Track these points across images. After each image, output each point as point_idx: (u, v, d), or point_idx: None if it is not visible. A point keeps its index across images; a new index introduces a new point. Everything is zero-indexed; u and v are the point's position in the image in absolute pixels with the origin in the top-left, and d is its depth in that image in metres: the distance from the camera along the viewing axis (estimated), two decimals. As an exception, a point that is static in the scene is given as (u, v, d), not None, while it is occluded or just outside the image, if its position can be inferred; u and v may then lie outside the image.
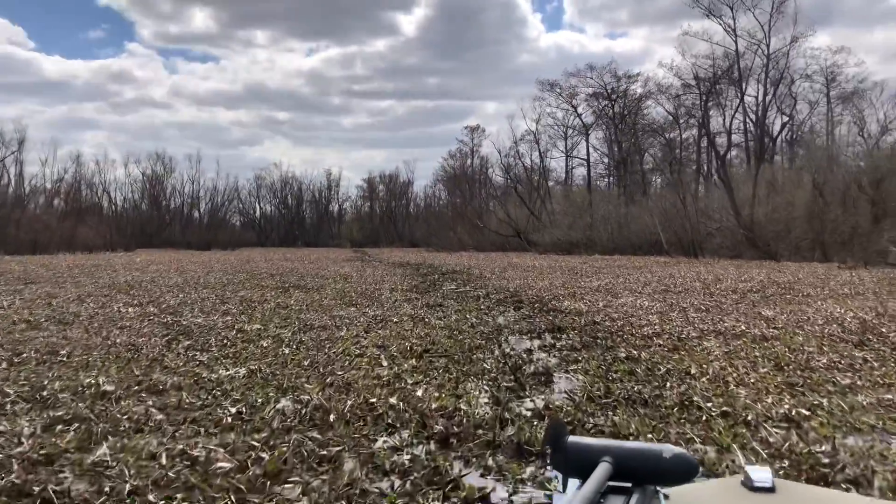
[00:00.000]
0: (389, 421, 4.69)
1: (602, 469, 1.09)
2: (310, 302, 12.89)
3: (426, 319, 10.21)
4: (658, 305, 11.86)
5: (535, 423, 4.67)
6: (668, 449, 1.13)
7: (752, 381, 5.94)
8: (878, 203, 32.01)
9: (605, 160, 62.07)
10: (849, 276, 19.69)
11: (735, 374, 6.15)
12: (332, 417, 4.68)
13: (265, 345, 7.92)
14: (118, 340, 8.14)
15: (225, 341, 8.22)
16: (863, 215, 31.76)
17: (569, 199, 53.37)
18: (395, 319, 10.17)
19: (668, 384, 5.85)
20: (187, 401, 5.28)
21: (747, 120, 50.28)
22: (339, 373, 6.26)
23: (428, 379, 6.03)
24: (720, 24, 48.01)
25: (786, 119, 51.35)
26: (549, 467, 3.45)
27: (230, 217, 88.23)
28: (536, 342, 8.46)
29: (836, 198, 33.27)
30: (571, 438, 1.17)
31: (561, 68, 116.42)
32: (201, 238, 64.26)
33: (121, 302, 12.74)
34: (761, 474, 1.03)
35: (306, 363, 6.79)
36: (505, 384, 5.83)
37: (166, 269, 25.12)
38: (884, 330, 8.71)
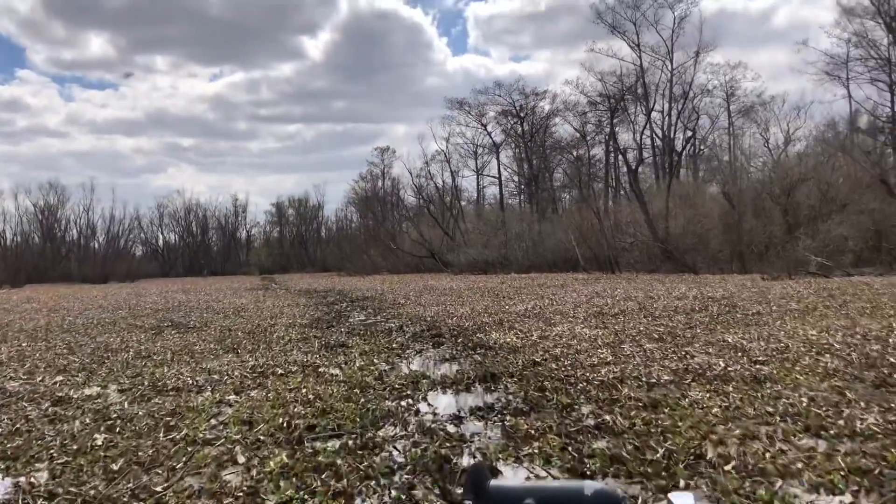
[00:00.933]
0: None
1: None
2: (181, 347, 10.27)
3: (321, 369, 7.82)
4: (602, 334, 9.82)
5: None
6: (590, 485, 1.08)
7: (797, 465, 3.85)
8: (790, 212, 31.49)
9: (516, 178, 60.94)
10: (781, 288, 18.34)
11: (768, 455, 4.05)
12: None
13: (77, 427, 5.38)
14: None
15: (20, 422, 5.62)
16: (777, 225, 31.14)
17: (482, 217, 51.71)
18: (280, 371, 7.74)
19: (681, 481, 3.70)
20: None
21: (653, 135, 49.98)
22: (158, 488, 3.83)
23: (302, 494, 3.67)
24: (625, 41, 47.58)
25: (689, 134, 51.31)
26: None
27: (132, 247, 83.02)
28: (467, 399, 6.21)
29: (749, 209, 32.61)
30: (493, 482, 1.12)
31: (468, 90, 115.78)
32: (97, 271, 59.36)
33: (-66, 358, 9.81)
34: (684, 499, 0.90)
35: (117, 465, 4.32)
36: (426, 501, 3.53)
37: (38, 309, 21.72)
38: (893, 360, 6.88)
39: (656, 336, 9.39)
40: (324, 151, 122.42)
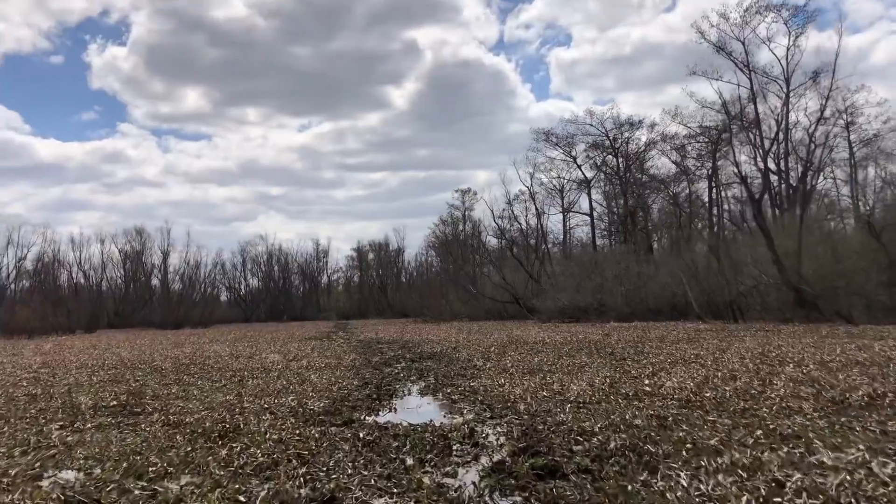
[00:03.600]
0: None
1: None
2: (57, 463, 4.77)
3: None
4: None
5: None
6: None
7: None
8: (968, 248, 24.21)
9: (607, 216, 54.11)
10: None
11: None
12: None
13: None
14: None
15: None
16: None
17: (573, 259, 45.31)
18: None
19: None
20: None
21: (767, 166, 42.63)
22: None
23: None
24: (732, 61, 40.96)
25: (805, 164, 43.79)
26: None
27: (214, 293, 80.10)
28: None
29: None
30: None
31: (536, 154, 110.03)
32: (169, 317, 55.72)
33: None
34: None
35: None
36: None
37: (27, 366, 17.09)
38: None
39: None
40: (407, 198, 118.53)
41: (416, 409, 8.13)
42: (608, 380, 9.34)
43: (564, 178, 49.93)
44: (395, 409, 8.09)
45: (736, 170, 36.07)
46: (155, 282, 73.23)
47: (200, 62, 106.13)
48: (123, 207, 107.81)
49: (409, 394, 9.42)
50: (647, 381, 9.00)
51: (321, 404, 8.23)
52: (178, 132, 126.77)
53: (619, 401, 7.57)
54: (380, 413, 7.85)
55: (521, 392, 8.57)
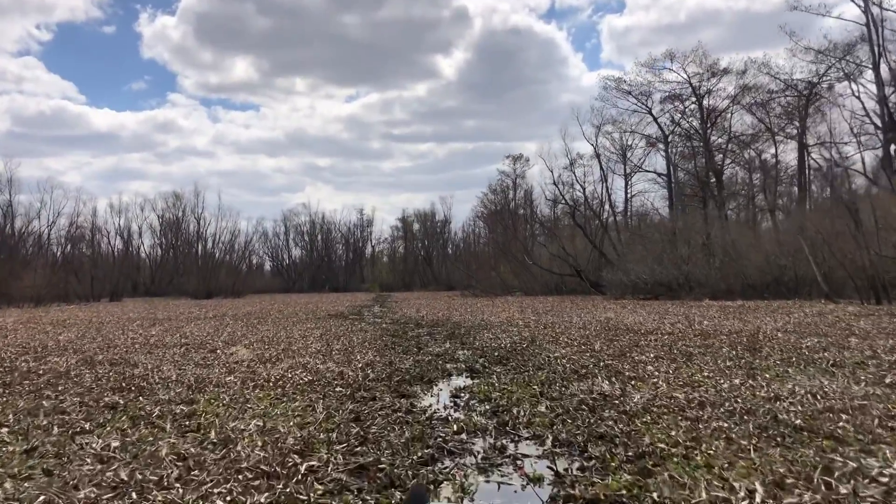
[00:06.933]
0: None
1: None
2: None
3: None
4: None
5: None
6: None
7: None
8: None
9: (674, 180, 46.22)
10: None
11: None
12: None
13: None
14: None
15: None
16: None
17: (652, 226, 38.08)
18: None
19: None
20: None
21: (885, 111, 34.72)
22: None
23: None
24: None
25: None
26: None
27: (257, 261, 75.06)
28: None
29: None
30: None
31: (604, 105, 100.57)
32: (201, 285, 50.39)
33: None
34: None
35: None
36: None
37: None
38: None
39: None
40: (454, 170, 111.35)
41: None
42: None
43: (633, 131, 42.17)
44: None
45: (881, 106, 28.31)
46: (194, 249, 68.30)
47: (249, 31, 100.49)
48: (175, 177, 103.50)
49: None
50: None
51: None
52: (226, 102, 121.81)
53: None
54: None
55: None
